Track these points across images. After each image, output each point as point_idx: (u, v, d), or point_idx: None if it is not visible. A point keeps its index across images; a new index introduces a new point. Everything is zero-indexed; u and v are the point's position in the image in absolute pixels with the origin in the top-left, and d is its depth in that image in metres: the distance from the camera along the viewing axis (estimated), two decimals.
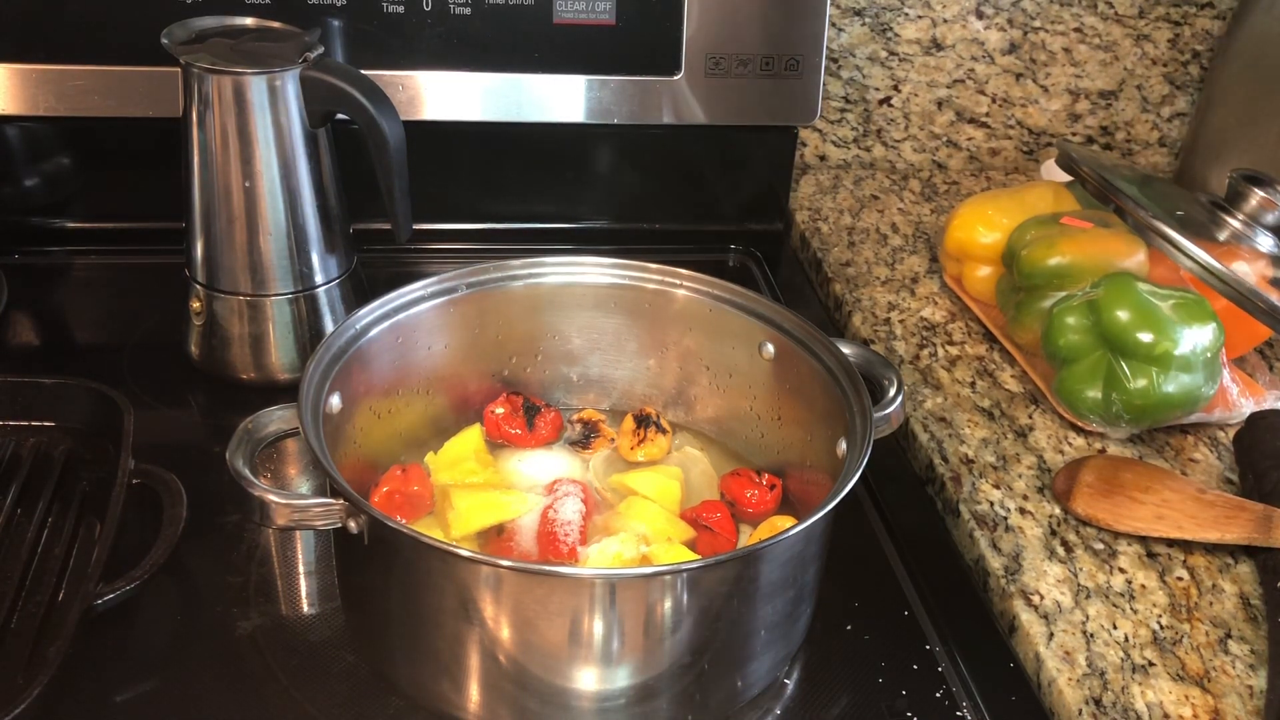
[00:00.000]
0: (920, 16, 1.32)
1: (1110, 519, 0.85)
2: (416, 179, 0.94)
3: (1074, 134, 1.42)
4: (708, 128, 1.19)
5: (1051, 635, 0.77)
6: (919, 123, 1.39)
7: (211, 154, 0.91)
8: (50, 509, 0.82)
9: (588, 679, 0.66)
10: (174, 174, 0.94)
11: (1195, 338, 0.90)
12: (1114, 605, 0.80)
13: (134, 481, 0.79)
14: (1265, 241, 0.98)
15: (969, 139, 1.41)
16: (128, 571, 0.73)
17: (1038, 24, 1.34)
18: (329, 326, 0.98)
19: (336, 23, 1.07)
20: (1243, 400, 0.96)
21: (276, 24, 0.95)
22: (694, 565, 0.65)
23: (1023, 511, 0.88)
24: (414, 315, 0.82)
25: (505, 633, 0.64)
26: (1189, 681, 0.74)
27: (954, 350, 1.07)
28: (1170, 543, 0.85)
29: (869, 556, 0.85)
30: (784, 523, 0.76)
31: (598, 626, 0.64)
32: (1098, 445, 0.95)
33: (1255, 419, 0.94)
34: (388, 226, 0.95)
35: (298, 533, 0.83)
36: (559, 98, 1.13)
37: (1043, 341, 0.97)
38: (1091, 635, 0.77)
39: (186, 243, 0.96)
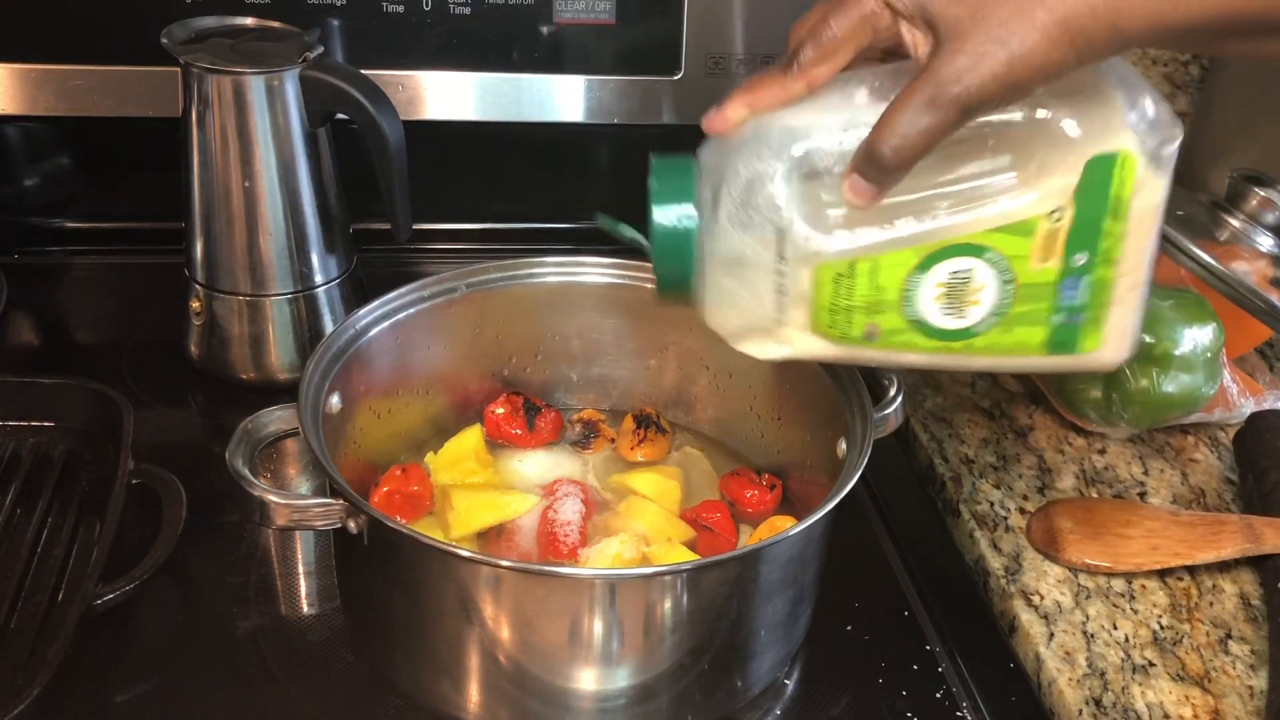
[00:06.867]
0: None
1: (1110, 561, 0.82)
2: (416, 179, 0.94)
3: None
4: None
5: (1052, 635, 0.77)
6: None
7: (211, 154, 0.91)
8: (50, 509, 0.82)
9: (587, 679, 0.66)
10: (174, 174, 0.94)
11: (1195, 338, 0.90)
12: (1114, 605, 0.80)
13: (134, 481, 0.79)
14: (1265, 241, 0.98)
15: None
16: (128, 571, 0.73)
17: None
18: (329, 326, 0.98)
19: (336, 23, 1.06)
20: (1243, 400, 0.96)
21: (276, 24, 0.95)
22: (694, 565, 0.65)
23: (1023, 511, 0.88)
24: (414, 315, 0.82)
25: (505, 633, 0.64)
26: (1189, 682, 0.74)
27: None
28: None
29: (869, 556, 0.85)
30: (784, 523, 0.76)
31: (597, 627, 0.64)
32: (1098, 445, 0.95)
33: (1255, 419, 0.94)
34: (388, 226, 0.95)
35: (298, 533, 0.82)
36: (559, 98, 1.13)
37: None
38: (1092, 635, 0.77)
39: (186, 243, 0.96)
